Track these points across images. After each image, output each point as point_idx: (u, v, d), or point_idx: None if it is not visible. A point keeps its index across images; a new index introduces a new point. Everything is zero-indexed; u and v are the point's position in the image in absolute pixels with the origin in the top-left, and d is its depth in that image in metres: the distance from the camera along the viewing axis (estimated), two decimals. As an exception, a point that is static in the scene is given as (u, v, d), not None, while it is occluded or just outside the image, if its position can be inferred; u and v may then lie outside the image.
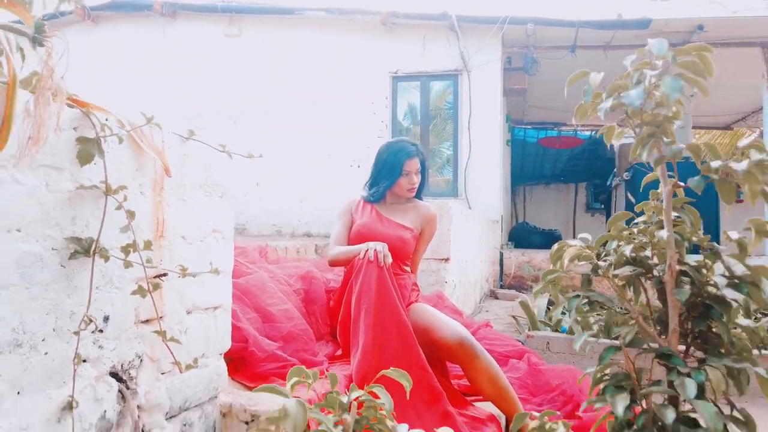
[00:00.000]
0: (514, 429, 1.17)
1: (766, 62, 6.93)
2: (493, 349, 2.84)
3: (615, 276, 1.10)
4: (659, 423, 0.91)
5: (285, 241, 4.57)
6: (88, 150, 1.05)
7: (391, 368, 1.36)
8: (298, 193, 7.07)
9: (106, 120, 1.13)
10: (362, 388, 2.06)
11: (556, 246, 1.18)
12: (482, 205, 6.87)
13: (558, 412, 2.61)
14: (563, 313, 3.83)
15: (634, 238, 1.11)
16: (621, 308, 1.13)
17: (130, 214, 1.13)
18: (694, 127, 10.44)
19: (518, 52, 7.28)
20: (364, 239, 2.39)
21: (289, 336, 2.04)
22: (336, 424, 1.09)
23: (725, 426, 0.87)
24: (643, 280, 1.08)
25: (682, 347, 1.00)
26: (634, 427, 0.95)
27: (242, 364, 1.88)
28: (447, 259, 3.62)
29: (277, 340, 2.01)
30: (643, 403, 0.97)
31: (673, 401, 0.96)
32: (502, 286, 6.61)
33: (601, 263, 1.12)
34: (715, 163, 0.96)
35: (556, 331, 3.59)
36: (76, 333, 1.04)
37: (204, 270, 1.46)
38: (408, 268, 2.59)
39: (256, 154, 1.45)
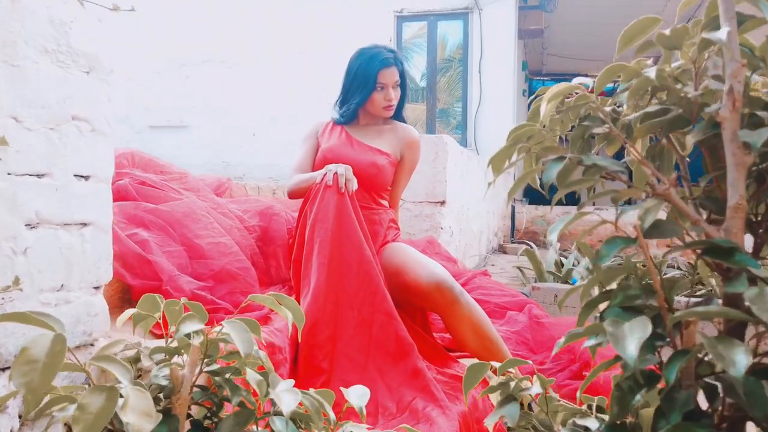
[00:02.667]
0: (467, 382, 0.77)
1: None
2: (488, 300, 2.43)
3: (631, 128, 0.66)
4: (710, 374, 0.50)
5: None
6: None
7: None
8: (295, 143, 6.64)
9: None
10: (310, 339, 1.70)
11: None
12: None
13: (562, 372, 2.23)
14: (574, 266, 3.40)
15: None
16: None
17: None
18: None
19: (534, -12, 6.68)
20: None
21: (223, 274, 1.64)
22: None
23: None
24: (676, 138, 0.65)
25: (748, 242, 0.57)
26: (660, 384, 0.53)
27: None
28: (443, 202, 3.19)
29: (206, 279, 1.62)
30: (677, 339, 0.55)
31: (737, 332, 0.54)
32: (512, 241, 6.18)
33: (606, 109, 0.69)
34: None
35: (566, 282, 3.17)
36: None
37: (55, 170, 1.05)
38: (385, 202, 2.17)
39: (126, 8, 1.03)
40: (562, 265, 3.47)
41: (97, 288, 1.17)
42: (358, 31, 6.51)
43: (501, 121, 6.47)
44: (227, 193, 2.58)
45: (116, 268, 1.44)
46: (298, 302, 1.68)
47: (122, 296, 1.52)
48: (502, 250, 5.25)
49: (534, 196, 8.48)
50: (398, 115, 2.22)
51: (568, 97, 0.72)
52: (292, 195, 2.03)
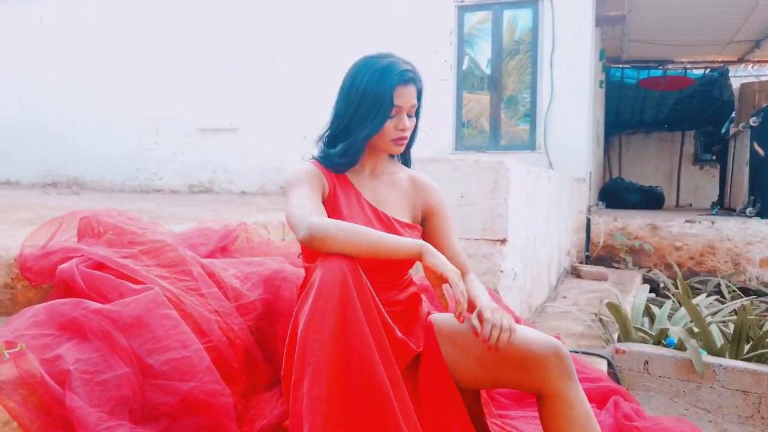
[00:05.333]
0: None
1: None
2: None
3: None
4: None
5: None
6: None
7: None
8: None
9: None
10: None
11: None
12: (566, 159, 5.69)
13: None
14: (670, 316, 2.76)
15: None
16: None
17: None
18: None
19: (616, -32, 5.89)
20: None
21: (187, 404, 1.19)
22: None
23: None
24: None
25: None
26: None
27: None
28: (503, 240, 2.64)
29: (161, 413, 1.17)
30: None
31: None
32: (588, 258, 5.49)
33: None
34: None
35: (659, 344, 2.55)
36: None
37: None
38: (408, 273, 1.61)
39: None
40: (652, 316, 2.83)
41: None
42: (416, 24, 5.96)
43: (577, 120, 5.77)
44: (240, 241, 2.15)
45: (20, 413, 1.02)
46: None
47: (33, 453, 1.09)
48: (575, 273, 4.61)
49: (612, 199, 7.66)
50: (407, 154, 1.64)
51: None
52: (326, 242, 1.24)
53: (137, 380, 1.17)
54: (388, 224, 1.49)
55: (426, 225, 1.61)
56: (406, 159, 1.68)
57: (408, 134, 1.52)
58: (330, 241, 1.24)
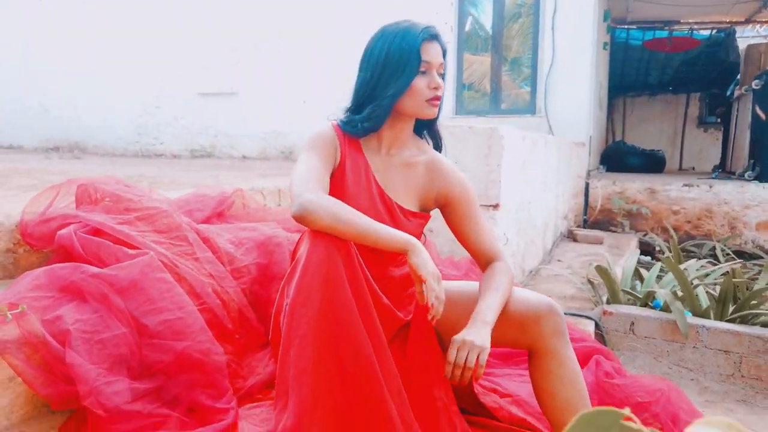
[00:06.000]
0: None
1: None
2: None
3: None
4: None
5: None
6: None
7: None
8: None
9: None
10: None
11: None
12: (566, 124, 5.68)
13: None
14: (658, 279, 2.82)
15: None
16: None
17: None
18: None
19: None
20: None
21: (181, 362, 1.26)
22: None
23: None
24: None
25: None
26: None
27: (81, 425, 1.14)
28: (496, 206, 2.68)
29: (158, 370, 1.25)
30: None
31: None
32: (585, 222, 5.53)
33: None
34: None
35: (646, 306, 2.62)
36: None
37: None
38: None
39: None
40: (643, 280, 2.89)
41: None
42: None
43: (578, 83, 5.73)
44: (234, 207, 2.20)
45: (24, 370, 1.09)
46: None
47: (36, 405, 1.17)
48: (572, 237, 4.65)
49: (614, 163, 7.65)
50: (434, 122, 1.58)
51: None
52: (316, 223, 1.25)
53: (134, 339, 1.24)
54: (390, 210, 1.47)
55: (445, 213, 1.57)
56: (436, 140, 1.61)
57: (442, 93, 1.44)
58: (319, 223, 1.25)
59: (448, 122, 2.83)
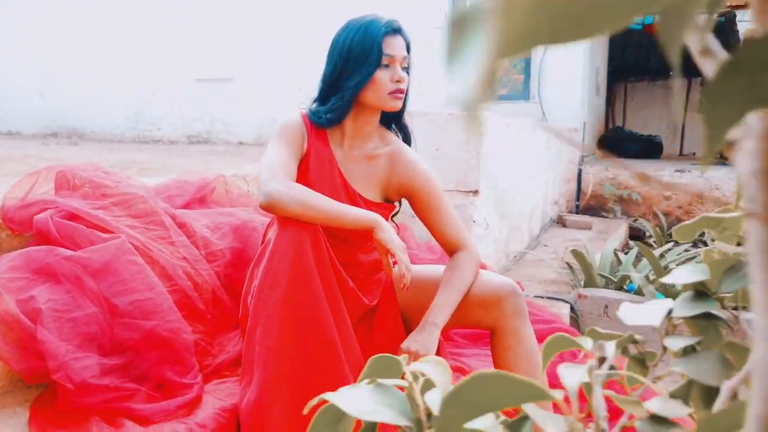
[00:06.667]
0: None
1: None
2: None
3: None
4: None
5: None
6: None
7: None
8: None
9: None
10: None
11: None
12: (559, 110, 5.72)
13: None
14: (635, 263, 2.88)
15: None
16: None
17: None
18: None
19: None
20: None
21: (150, 340, 1.34)
22: None
23: None
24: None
25: None
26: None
27: (53, 398, 1.21)
28: (475, 192, 2.74)
29: (127, 348, 1.32)
30: None
31: None
32: (577, 208, 5.58)
33: None
34: None
35: (621, 289, 2.68)
36: None
37: None
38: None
39: None
40: (620, 262, 2.95)
41: None
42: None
43: (571, 69, 5.75)
44: (217, 193, 2.26)
45: None
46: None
47: (11, 379, 1.25)
48: (561, 222, 4.71)
49: (611, 149, 7.66)
50: (401, 115, 1.62)
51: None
52: (283, 211, 1.31)
53: (105, 319, 1.31)
54: (353, 200, 1.52)
55: (410, 203, 1.61)
56: (405, 133, 1.64)
57: (405, 86, 1.48)
58: (286, 210, 1.30)
59: (429, 110, 2.88)
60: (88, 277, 1.34)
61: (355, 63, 1.45)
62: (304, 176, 1.50)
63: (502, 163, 3.09)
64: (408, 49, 1.51)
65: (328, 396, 0.35)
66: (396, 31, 1.49)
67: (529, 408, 0.38)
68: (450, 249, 1.59)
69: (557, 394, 0.35)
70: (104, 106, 7.21)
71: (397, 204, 1.66)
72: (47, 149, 4.77)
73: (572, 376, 0.40)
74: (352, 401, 0.34)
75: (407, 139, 1.66)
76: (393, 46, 1.46)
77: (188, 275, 1.57)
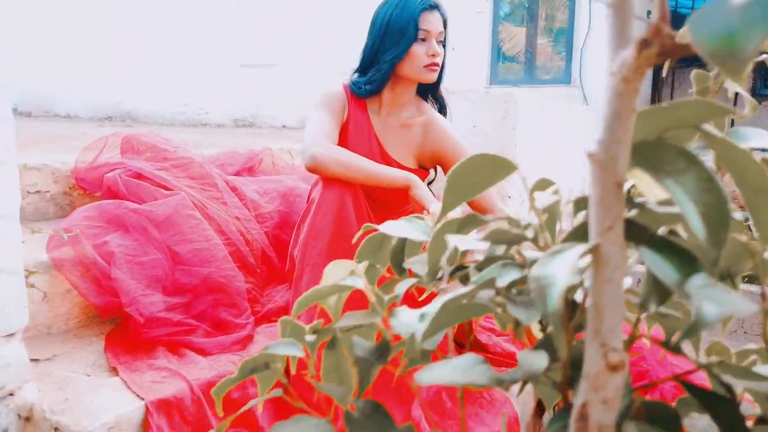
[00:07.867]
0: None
1: None
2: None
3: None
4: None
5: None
6: None
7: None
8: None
9: None
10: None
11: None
12: (600, 95, 5.66)
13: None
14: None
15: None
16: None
17: None
18: None
19: None
20: None
21: (207, 285, 1.48)
22: None
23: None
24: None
25: None
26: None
27: (124, 330, 1.37)
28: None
29: (187, 290, 1.47)
30: None
31: None
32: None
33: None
34: None
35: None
36: None
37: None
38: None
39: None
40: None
41: (9, 336, 1.04)
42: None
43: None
44: (264, 164, 2.40)
45: (78, 284, 1.32)
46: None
47: (88, 313, 1.41)
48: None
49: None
50: (437, 87, 1.71)
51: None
52: (326, 171, 1.44)
53: (168, 264, 1.46)
54: (389, 164, 1.61)
55: (444, 171, 1.70)
56: (441, 104, 1.72)
57: (440, 60, 1.56)
58: (328, 171, 1.43)
59: (467, 88, 2.96)
60: (152, 227, 1.50)
61: (393, 37, 1.55)
62: (343, 142, 1.62)
63: (535, 141, 3.14)
64: (445, 25, 1.61)
65: (378, 226, 0.48)
66: (433, 7, 1.58)
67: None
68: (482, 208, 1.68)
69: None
70: (156, 91, 7.51)
71: (432, 171, 1.76)
72: (103, 130, 5.03)
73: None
74: (391, 228, 0.47)
75: (443, 110, 1.76)
76: (429, 21, 1.55)
77: (240, 232, 1.72)
